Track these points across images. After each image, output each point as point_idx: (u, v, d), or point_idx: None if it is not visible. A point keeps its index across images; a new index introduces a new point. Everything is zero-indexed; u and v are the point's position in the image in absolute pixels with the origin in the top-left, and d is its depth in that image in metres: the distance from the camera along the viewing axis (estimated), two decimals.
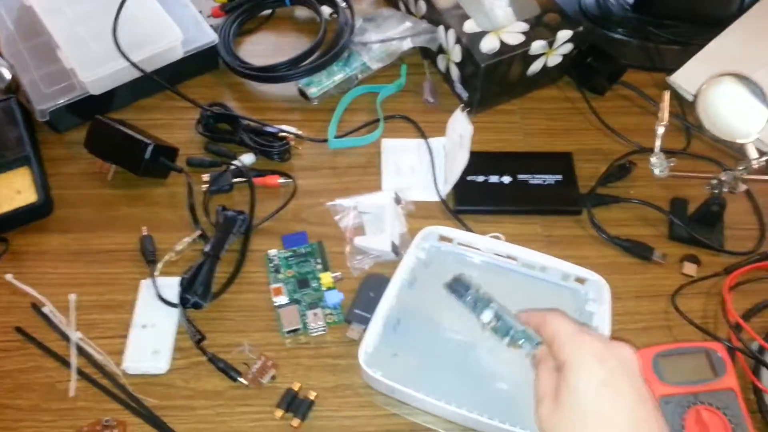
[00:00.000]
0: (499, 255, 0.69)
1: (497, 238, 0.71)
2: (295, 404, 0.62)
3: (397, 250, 0.70)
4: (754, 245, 0.73)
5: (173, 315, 0.66)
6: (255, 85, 0.86)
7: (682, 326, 0.67)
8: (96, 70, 0.76)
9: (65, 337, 0.65)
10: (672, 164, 0.68)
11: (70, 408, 0.62)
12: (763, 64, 0.85)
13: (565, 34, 0.80)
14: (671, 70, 0.86)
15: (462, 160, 0.75)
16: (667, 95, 0.68)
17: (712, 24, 0.89)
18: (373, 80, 0.86)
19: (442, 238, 0.70)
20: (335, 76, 0.84)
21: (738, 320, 0.66)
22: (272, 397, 0.62)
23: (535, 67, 0.82)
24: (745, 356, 0.65)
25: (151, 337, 0.65)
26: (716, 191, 0.69)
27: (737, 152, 0.77)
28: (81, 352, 0.64)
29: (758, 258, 0.72)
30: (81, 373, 0.63)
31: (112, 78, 0.78)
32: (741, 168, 0.66)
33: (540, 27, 0.80)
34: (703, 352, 0.63)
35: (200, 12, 0.86)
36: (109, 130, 0.74)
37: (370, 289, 0.67)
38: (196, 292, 0.65)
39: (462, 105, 0.81)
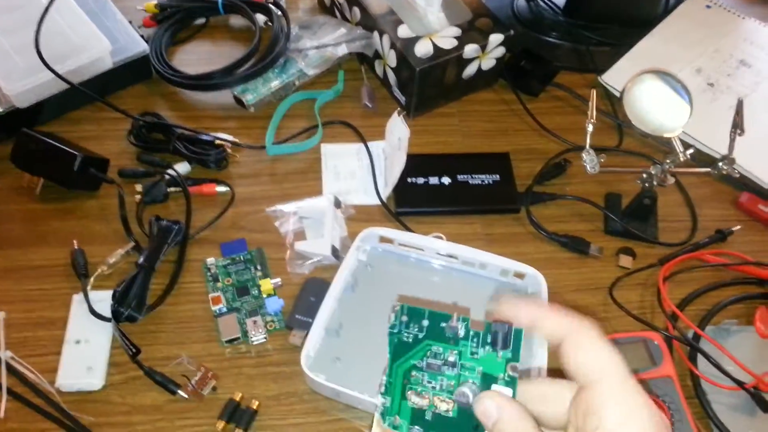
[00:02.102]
0: (440, 254, 0.69)
1: (439, 238, 0.71)
2: (237, 415, 0.60)
3: (338, 254, 0.69)
4: (687, 236, 0.75)
5: (107, 329, 0.64)
6: (189, 94, 0.84)
7: (620, 317, 0.68)
8: (21, 82, 0.74)
9: None
10: (602, 160, 0.70)
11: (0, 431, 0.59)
12: (688, 63, 0.88)
13: (496, 38, 0.81)
14: (602, 71, 0.88)
15: (400, 163, 0.75)
16: (594, 94, 0.69)
17: (640, 25, 0.92)
18: (311, 86, 0.85)
19: (383, 239, 0.69)
20: (271, 83, 0.83)
21: (674, 309, 0.67)
22: (213, 409, 0.61)
23: (470, 70, 0.83)
24: (682, 344, 0.66)
25: (84, 353, 0.62)
26: (647, 185, 0.71)
27: (665, 146, 0.79)
28: (12, 371, 0.62)
29: (691, 248, 0.74)
30: (12, 392, 0.61)
31: (38, 90, 0.75)
32: (668, 161, 0.68)
33: (472, 31, 0.81)
34: (640, 342, 0.65)
35: (131, 22, 0.85)
36: (36, 143, 0.71)
37: (310, 293, 0.67)
38: (129, 304, 0.63)
39: (399, 109, 0.81)
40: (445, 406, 0.34)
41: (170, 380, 0.61)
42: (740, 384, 0.62)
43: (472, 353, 0.35)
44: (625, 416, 0.31)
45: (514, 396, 0.33)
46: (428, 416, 0.34)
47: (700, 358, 0.65)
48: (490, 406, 0.33)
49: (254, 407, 0.61)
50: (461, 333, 0.35)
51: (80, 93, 0.78)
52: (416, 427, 0.34)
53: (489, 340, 0.34)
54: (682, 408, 0.60)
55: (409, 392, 0.35)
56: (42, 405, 0.60)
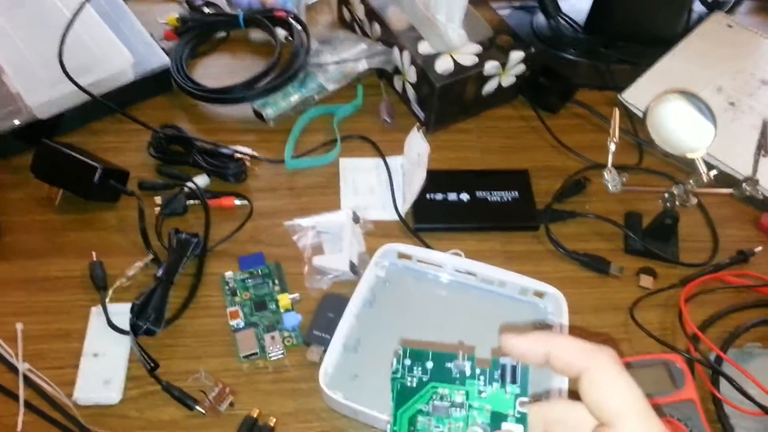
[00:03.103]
0: (458, 271, 0.69)
1: (457, 254, 0.70)
2: None
3: (356, 270, 0.69)
4: (708, 257, 0.75)
5: (125, 343, 0.63)
6: (210, 107, 0.85)
7: (641, 339, 0.67)
8: (43, 94, 0.75)
9: (12, 369, 0.62)
10: (625, 179, 0.69)
11: None
12: (708, 82, 0.87)
13: (517, 56, 0.81)
14: (622, 89, 0.88)
15: (420, 179, 0.75)
16: (617, 112, 0.69)
17: (660, 44, 0.91)
18: (329, 101, 0.86)
19: (401, 256, 0.69)
20: (291, 97, 0.83)
21: (695, 331, 0.66)
22: (231, 425, 0.60)
23: (490, 87, 0.83)
24: (704, 367, 0.65)
25: (102, 366, 0.62)
26: (669, 205, 0.71)
27: (687, 166, 0.78)
28: (29, 383, 0.61)
29: (712, 269, 0.73)
30: (29, 405, 0.60)
31: (59, 102, 0.76)
32: (691, 182, 0.67)
33: (493, 48, 0.81)
34: (662, 364, 0.64)
35: (152, 35, 0.85)
36: (56, 154, 0.72)
37: (328, 309, 0.66)
38: (148, 318, 0.63)
39: (418, 124, 0.81)
40: None
41: (188, 395, 0.61)
42: (764, 409, 0.61)
43: (480, 392, 0.33)
44: None
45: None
46: None
47: (722, 381, 0.64)
48: None
49: (271, 424, 0.60)
50: (467, 372, 0.34)
51: (101, 105, 0.78)
52: None
53: (496, 376, 0.33)
54: None
55: None
56: (59, 419, 0.60)
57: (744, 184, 0.68)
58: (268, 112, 0.82)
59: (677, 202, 0.70)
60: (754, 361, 0.65)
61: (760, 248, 0.74)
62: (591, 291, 0.71)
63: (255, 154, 0.78)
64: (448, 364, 0.34)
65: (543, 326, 0.66)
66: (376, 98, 0.87)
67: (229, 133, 0.82)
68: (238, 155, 0.77)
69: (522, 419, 0.33)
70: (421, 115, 0.84)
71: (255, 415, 0.61)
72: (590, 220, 0.76)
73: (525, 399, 0.33)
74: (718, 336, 0.68)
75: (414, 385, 0.34)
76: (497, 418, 0.33)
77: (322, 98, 0.85)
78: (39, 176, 0.73)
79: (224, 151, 0.77)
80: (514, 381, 0.33)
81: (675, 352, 0.65)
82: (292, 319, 0.66)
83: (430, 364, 0.34)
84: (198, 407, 0.61)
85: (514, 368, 0.33)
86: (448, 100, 0.81)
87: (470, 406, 0.33)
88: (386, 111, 0.85)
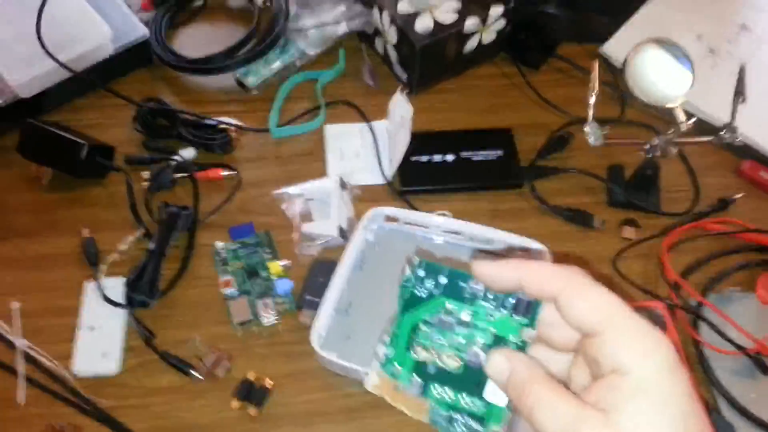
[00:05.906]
0: (445, 231, 0.70)
1: (444, 215, 0.71)
2: (252, 393, 0.62)
3: (345, 235, 0.70)
4: (690, 206, 0.76)
5: (121, 315, 0.65)
6: (191, 78, 0.84)
7: (625, 288, 0.69)
8: (23, 72, 0.74)
9: (11, 346, 0.64)
10: (606, 132, 0.70)
11: (21, 416, 0.61)
12: (688, 29, 0.87)
13: (497, 11, 0.81)
14: (602, 41, 0.88)
15: (404, 142, 0.75)
16: (596, 64, 0.69)
17: None
18: (312, 66, 0.86)
19: (389, 219, 0.70)
20: (273, 64, 0.83)
21: (677, 279, 0.68)
22: (228, 389, 0.62)
23: (471, 44, 0.83)
24: (685, 312, 0.67)
25: (99, 338, 0.64)
26: (649, 155, 0.72)
27: (667, 116, 0.79)
28: (28, 359, 0.63)
29: (693, 218, 0.74)
30: (30, 380, 0.62)
31: (41, 80, 0.76)
32: (671, 132, 0.68)
33: (472, 4, 0.80)
34: (644, 312, 0.65)
35: (129, 6, 0.84)
36: (42, 133, 0.72)
37: (319, 274, 0.67)
38: (142, 290, 0.64)
39: (401, 86, 0.81)
40: (454, 363, 0.34)
41: (185, 362, 0.63)
42: (742, 349, 0.63)
43: (488, 315, 0.34)
44: (646, 351, 0.30)
45: None
46: (431, 369, 0.34)
47: (702, 325, 0.66)
48: (501, 361, 0.33)
49: (268, 386, 0.62)
50: (480, 294, 0.34)
51: (82, 81, 0.78)
52: (417, 377, 0.34)
53: (507, 304, 0.34)
54: None
55: (416, 346, 0.34)
56: (60, 391, 0.62)
57: (722, 132, 0.69)
58: (250, 80, 0.82)
59: (658, 153, 0.71)
60: (733, 305, 0.67)
61: (740, 195, 0.75)
62: (575, 244, 0.73)
63: (240, 124, 0.78)
64: (462, 284, 0.34)
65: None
66: (359, 61, 0.87)
67: (213, 104, 0.82)
68: (223, 126, 0.77)
69: (522, 347, 0.33)
70: (403, 76, 0.84)
71: (252, 378, 0.62)
72: (573, 175, 0.77)
73: (532, 332, 0.33)
74: (699, 282, 0.70)
75: (424, 296, 0.35)
76: (499, 342, 0.33)
77: (304, 64, 0.85)
78: (26, 156, 0.73)
79: (209, 122, 0.77)
80: (525, 314, 0.33)
81: (657, 300, 0.67)
82: (284, 286, 0.67)
83: (443, 280, 0.34)
84: (195, 373, 0.62)
85: (528, 304, 0.33)
86: (429, 61, 0.81)
87: (475, 326, 0.34)
88: (369, 74, 0.85)
